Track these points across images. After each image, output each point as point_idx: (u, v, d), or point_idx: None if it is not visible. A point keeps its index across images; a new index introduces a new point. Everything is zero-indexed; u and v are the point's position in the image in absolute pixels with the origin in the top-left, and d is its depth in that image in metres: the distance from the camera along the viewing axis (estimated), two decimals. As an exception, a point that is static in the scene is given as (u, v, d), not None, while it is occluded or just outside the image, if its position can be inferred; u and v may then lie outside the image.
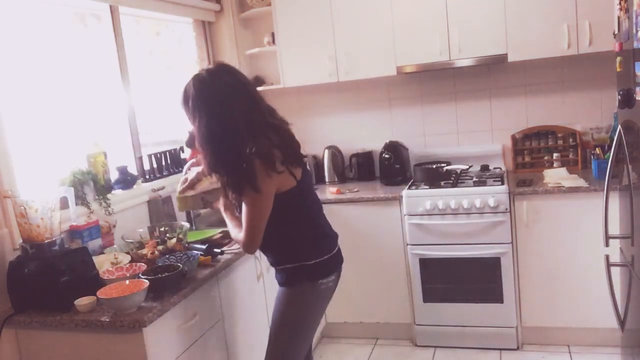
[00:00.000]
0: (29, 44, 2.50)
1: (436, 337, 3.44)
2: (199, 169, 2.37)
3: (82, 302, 1.99)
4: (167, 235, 2.59)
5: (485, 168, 3.69)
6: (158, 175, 3.13)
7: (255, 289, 2.76)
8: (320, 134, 4.10)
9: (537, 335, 3.32)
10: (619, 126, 2.33)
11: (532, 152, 3.70)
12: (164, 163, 3.19)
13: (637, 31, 1.96)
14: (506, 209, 3.17)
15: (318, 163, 4.06)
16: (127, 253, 2.43)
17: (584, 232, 3.05)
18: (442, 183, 3.42)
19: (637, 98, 2.04)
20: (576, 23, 3.18)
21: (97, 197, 2.59)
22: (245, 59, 4.05)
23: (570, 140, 3.59)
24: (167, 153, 3.23)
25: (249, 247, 2.07)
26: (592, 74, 3.52)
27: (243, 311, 2.61)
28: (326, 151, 4.00)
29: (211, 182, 2.30)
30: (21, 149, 2.35)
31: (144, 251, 2.40)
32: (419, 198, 3.32)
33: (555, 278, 3.17)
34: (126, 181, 2.82)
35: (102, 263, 2.30)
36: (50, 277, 2.01)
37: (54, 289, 2.01)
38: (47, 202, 2.07)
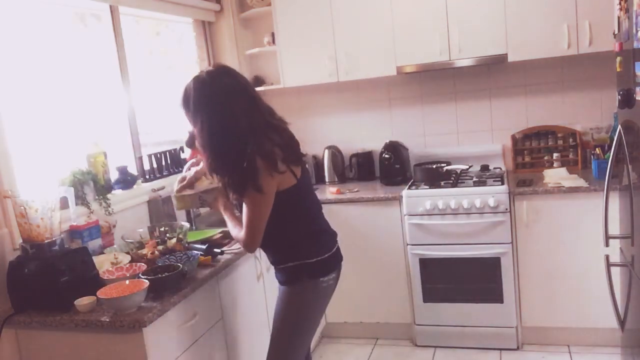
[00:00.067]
0: (29, 44, 2.50)
1: (436, 337, 3.44)
2: (199, 168, 2.37)
3: (82, 302, 1.99)
4: (167, 235, 2.59)
5: (485, 168, 3.69)
6: (158, 175, 3.13)
7: (255, 289, 2.76)
8: (320, 134, 4.10)
9: (537, 335, 3.32)
10: (619, 126, 2.33)
11: (532, 152, 3.70)
12: (164, 163, 3.19)
13: (637, 31, 1.96)
14: (506, 209, 3.17)
15: (318, 163, 4.06)
16: (127, 253, 2.43)
17: (584, 232, 3.05)
18: (442, 183, 3.42)
19: (637, 98, 2.04)
20: (576, 23, 3.18)
21: (97, 197, 2.59)
22: (245, 59, 4.05)
23: (570, 140, 3.59)
24: (167, 153, 3.23)
25: (249, 246, 2.08)
26: (592, 74, 3.52)
27: (243, 311, 2.61)
28: (326, 151, 4.00)
29: (210, 182, 2.30)
30: (21, 149, 2.35)
31: (144, 251, 2.40)
32: (419, 198, 3.32)
33: (555, 278, 3.17)
34: (126, 181, 2.82)
35: (102, 263, 2.30)
36: (50, 277, 2.01)
37: (54, 289, 2.01)
38: (47, 202, 2.07)
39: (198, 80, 2.03)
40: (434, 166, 3.67)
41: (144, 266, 2.22)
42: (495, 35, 3.32)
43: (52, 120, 2.59)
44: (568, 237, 3.11)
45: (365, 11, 3.54)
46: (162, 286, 2.07)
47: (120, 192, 2.78)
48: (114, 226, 2.63)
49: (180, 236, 2.53)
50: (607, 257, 2.42)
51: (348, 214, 3.48)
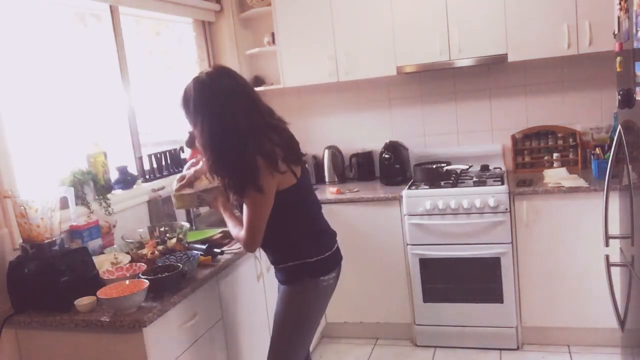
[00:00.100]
0: (29, 44, 2.50)
1: (436, 337, 3.44)
2: (198, 167, 2.37)
3: (82, 302, 1.99)
4: (167, 235, 2.59)
5: (485, 168, 3.69)
6: (158, 175, 3.13)
7: (255, 289, 2.76)
8: (320, 134, 4.10)
9: (537, 335, 3.32)
10: (619, 126, 2.33)
11: (532, 152, 3.70)
12: (164, 163, 3.19)
13: (637, 31, 1.96)
14: (506, 209, 3.17)
15: (318, 163, 4.06)
16: (127, 253, 2.43)
17: (584, 232, 3.05)
18: (442, 183, 3.42)
19: (637, 98, 2.04)
20: (576, 23, 3.18)
21: (97, 197, 2.59)
22: (245, 59, 4.05)
23: (570, 140, 3.59)
24: (167, 153, 3.23)
25: (250, 246, 2.09)
26: (592, 74, 3.52)
27: (243, 311, 2.61)
28: (326, 151, 4.00)
29: (210, 182, 2.30)
30: (21, 149, 2.35)
31: (144, 251, 2.40)
32: (419, 198, 3.32)
33: (555, 278, 3.17)
34: (126, 181, 2.82)
35: (102, 263, 2.30)
36: (50, 277, 2.01)
37: (54, 289, 2.01)
38: (47, 202, 2.07)
39: (198, 82, 2.04)
40: (434, 166, 3.67)
41: (144, 266, 2.22)
42: (495, 35, 3.32)
43: (52, 120, 2.59)
44: (568, 237, 3.11)
45: (365, 11, 3.54)
46: (162, 286, 2.07)
47: (120, 192, 2.78)
48: (114, 226, 2.63)
49: (180, 236, 2.53)
50: (607, 257, 2.42)
51: (348, 214, 3.48)
